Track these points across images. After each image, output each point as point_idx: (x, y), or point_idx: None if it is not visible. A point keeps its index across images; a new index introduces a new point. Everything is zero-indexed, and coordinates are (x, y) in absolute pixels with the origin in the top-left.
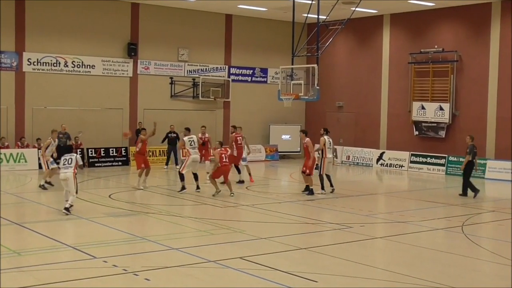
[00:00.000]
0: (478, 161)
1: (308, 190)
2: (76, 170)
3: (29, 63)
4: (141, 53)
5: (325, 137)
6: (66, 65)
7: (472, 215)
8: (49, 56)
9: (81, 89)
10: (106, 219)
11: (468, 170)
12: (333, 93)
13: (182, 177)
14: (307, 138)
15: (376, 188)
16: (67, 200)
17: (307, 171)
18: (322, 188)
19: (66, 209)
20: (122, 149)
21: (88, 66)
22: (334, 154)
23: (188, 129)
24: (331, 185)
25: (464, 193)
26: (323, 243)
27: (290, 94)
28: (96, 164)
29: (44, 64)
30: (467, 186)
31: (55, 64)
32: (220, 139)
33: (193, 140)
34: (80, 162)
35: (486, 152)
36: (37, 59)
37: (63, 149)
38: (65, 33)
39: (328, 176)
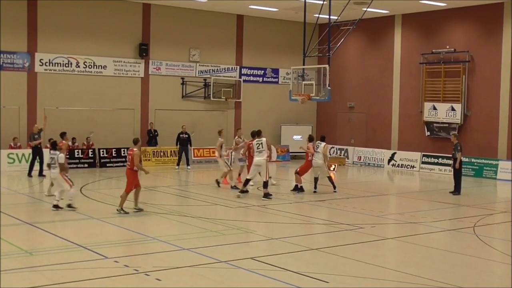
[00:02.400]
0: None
1: (298, 189)
2: None
3: (41, 64)
4: (152, 53)
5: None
6: (77, 65)
7: (484, 216)
8: (61, 56)
9: (92, 89)
10: (118, 219)
11: (459, 168)
12: (344, 93)
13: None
14: (310, 143)
15: (387, 188)
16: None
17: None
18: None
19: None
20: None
21: (100, 67)
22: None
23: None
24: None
25: (457, 191)
26: (334, 243)
27: (301, 95)
28: (107, 165)
29: (56, 64)
30: (460, 183)
31: (67, 65)
32: (231, 139)
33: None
34: (62, 161)
35: (498, 153)
36: (49, 60)
37: (36, 149)
38: (76, 34)
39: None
